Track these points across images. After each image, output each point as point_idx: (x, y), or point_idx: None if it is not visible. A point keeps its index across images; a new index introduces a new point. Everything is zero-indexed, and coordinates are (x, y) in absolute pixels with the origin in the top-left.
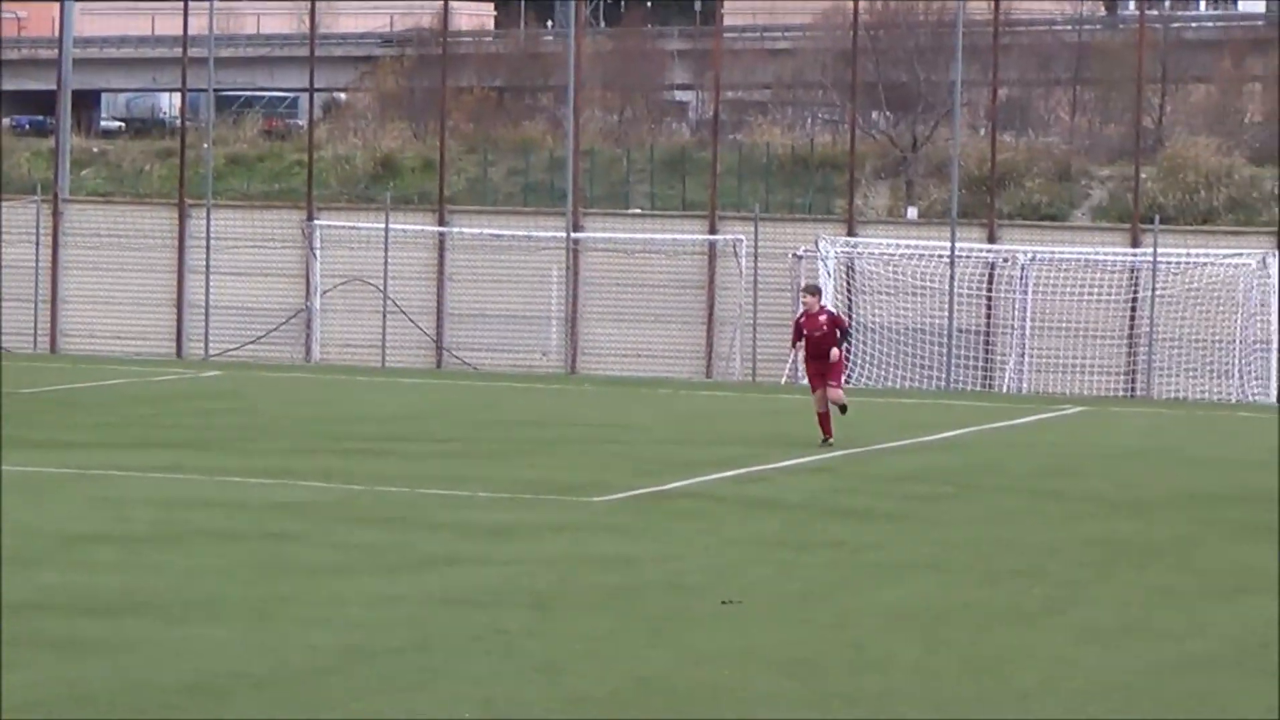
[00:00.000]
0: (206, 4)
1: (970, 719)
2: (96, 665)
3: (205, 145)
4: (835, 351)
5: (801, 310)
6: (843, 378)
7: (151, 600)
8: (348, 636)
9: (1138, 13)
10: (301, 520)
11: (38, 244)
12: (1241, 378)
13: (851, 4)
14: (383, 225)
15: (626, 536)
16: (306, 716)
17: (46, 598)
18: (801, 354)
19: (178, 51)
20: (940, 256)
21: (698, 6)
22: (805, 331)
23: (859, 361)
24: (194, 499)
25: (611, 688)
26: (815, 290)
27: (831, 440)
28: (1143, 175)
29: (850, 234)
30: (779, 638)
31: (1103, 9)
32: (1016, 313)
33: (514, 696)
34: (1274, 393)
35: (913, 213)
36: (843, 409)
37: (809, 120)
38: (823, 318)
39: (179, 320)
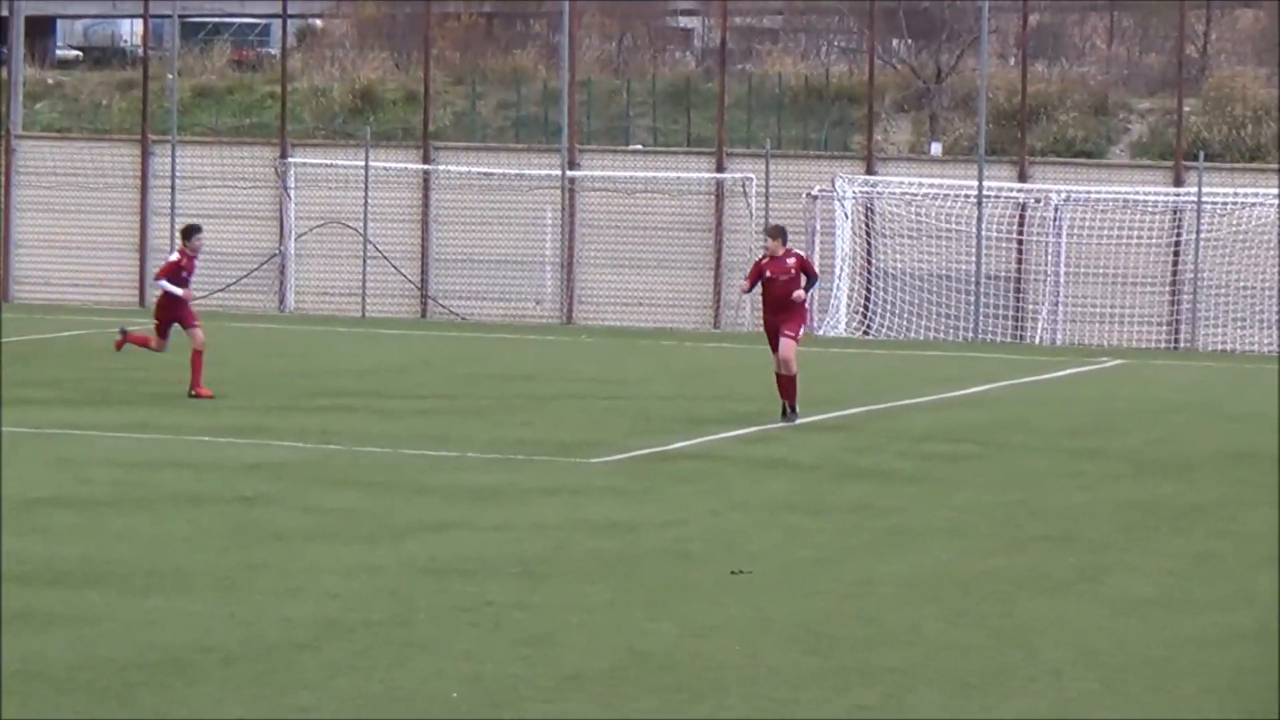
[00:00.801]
0: None
1: (997, 696)
2: (55, 639)
3: (169, 76)
4: (799, 293)
5: (763, 253)
6: (801, 330)
7: (114, 569)
8: (324, 608)
9: None
10: (275, 482)
11: None
12: None
13: None
14: (362, 163)
15: (625, 500)
16: (279, 693)
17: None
18: (751, 299)
19: None
20: (967, 197)
21: None
22: (769, 274)
23: (879, 311)
24: (159, 460)
25: (609, 663)
26: (779, 232)
27: (795, 412)
28: (1186, 108)
29: (869, 172)
30: (790, 609)
31: None
32: (1049, 258)
33: (503, 672)
34: None
35: (936, 149)
36: (788, 384)
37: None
38: (790, 260)
39: (142, 266)
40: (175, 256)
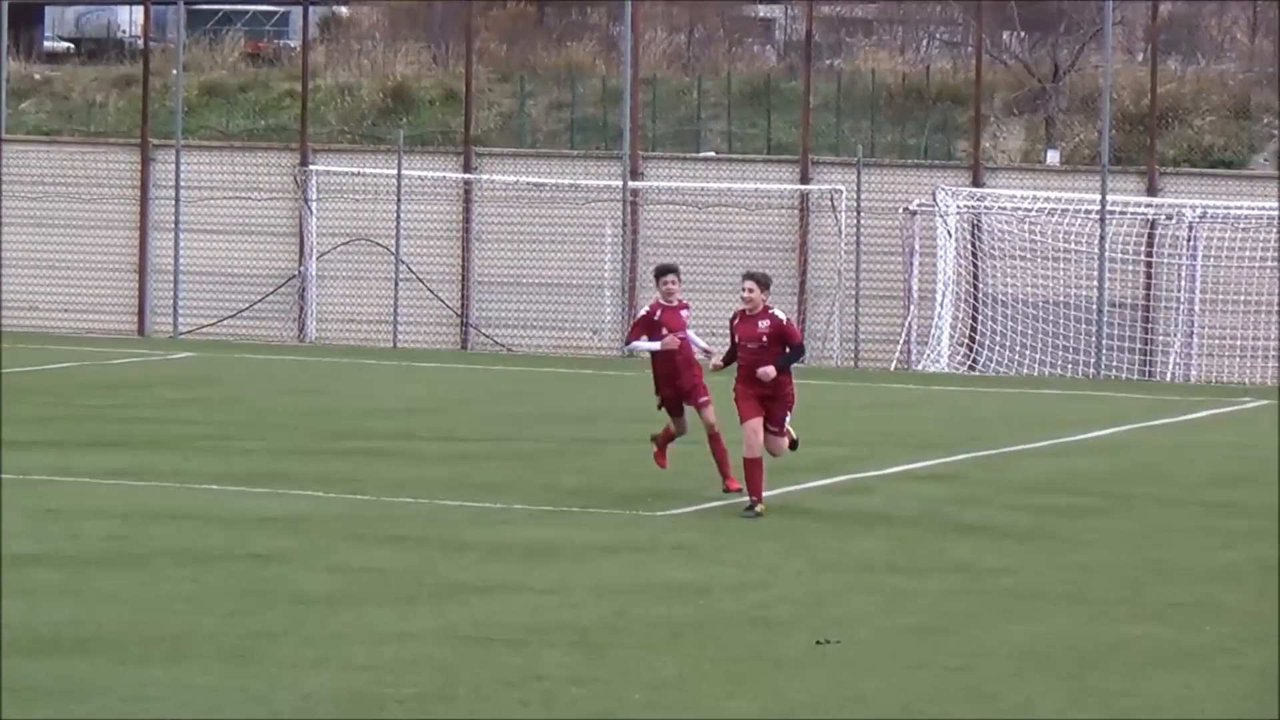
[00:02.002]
0: None
1: None
2: (38, 714)
3: (174, 72)
4: (769, 370)
5: (737, 309)
6: (788, 418)
7: (106, 636)
8: (350, 682)
9: None
10: (293, 538)
11: None
12: None
13: None
14: (394, 171)
15: (697, 559)
16: None
17: None
18: (717, 363)
19: None
20: (1088, 213)
21: None
22: (737, 338)
23: (987, 343)
24: (159, 510)
25: None
26: (762, 281)
27: (761, 505)
28: None
29: (975, 184)
30: (886, 684)
31: None
32: (1182, 282)
33: None
34: None
35: (1053, 157)
36: (752, 468)
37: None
38: (764, 324)
39: (141, 289)
40: (645, 310)
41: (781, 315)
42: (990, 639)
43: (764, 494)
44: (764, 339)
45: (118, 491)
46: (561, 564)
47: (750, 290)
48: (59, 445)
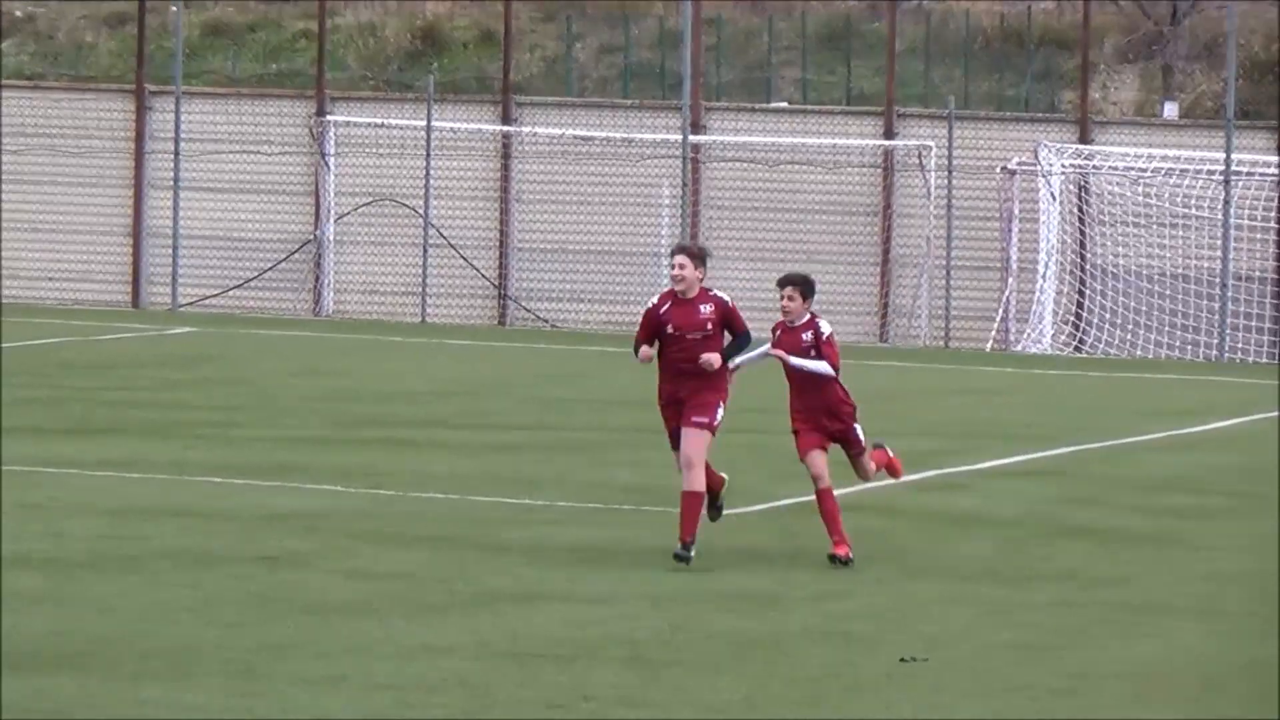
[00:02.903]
0: None
1: None
2: None
3: (173, 9)
4: (713, 357)
5: (662, 292)
6: (718, 416)
7: (95, 649)
8: (372, 701)
9: None
10: (307, 538)
11: None
12: None
13: None
14: (423, 123)
15: (767, 565)
16: None
17: None
18: (646, 361)
19: None
20: (1210, 173)
21: None
22: (670, 329)
23: (1096, 320)
24: (155, 506)
25: None
26: (697, 255)
27: (690, 549)
28: None
29: (1083, 140)
30: (981, 709)
31: None
32: None
33: None
34: None
35: (1171, 110)
36: (713, 501)
37: None
38: (706, 308)
39: (136, 255)
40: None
41: (724, 296)
42: (1100, 658)
43: (849, 491)
44: (708, 325)
45: (108, 484)
46: (612, 570)
47: (679, 269)
48: (41, 432)
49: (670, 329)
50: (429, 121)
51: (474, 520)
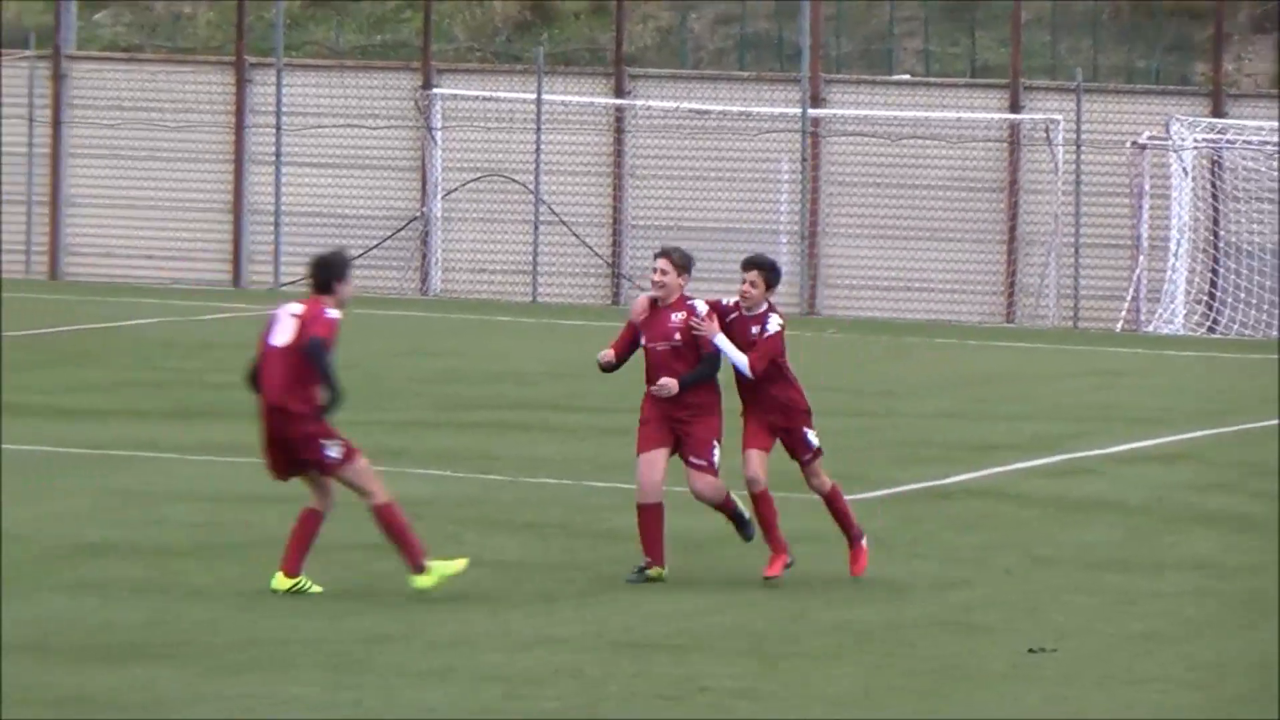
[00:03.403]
0: None
1: None
2: None
3: None
4: (669, 383)
5: (644, 298)
6: (714, 452)
7: (194, 640)
8: (480, 695)
9: None
10: (413, 524)
11: (31, 120)
12: None
13: None
14: (533, 96)
15: (888, 553)
16: None
17: (39, 635)
18: (605, 364)
19: None
20: None
21: None
22: (644, 339)
23: (1230, 300)
24: (255, 493)
25: None
26: (679, 261)
27: (657, 569)
28: None
29: (1216, 113)
30: (1111, 701)
31: None
32: None
33: None
34: None
35: None
36: (736, 518)
37: None
38: (678, 316)
39: (236, 233)
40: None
41: (696, 302)
42: (1233, 649)
43: (974, 475)
44: (675, 336)
45: (209, 470)
46: (729, 558)
47: (660, 274)
48: (141, 415)
49: (644, 338)
50: (539, 94)
51: (585, 506)
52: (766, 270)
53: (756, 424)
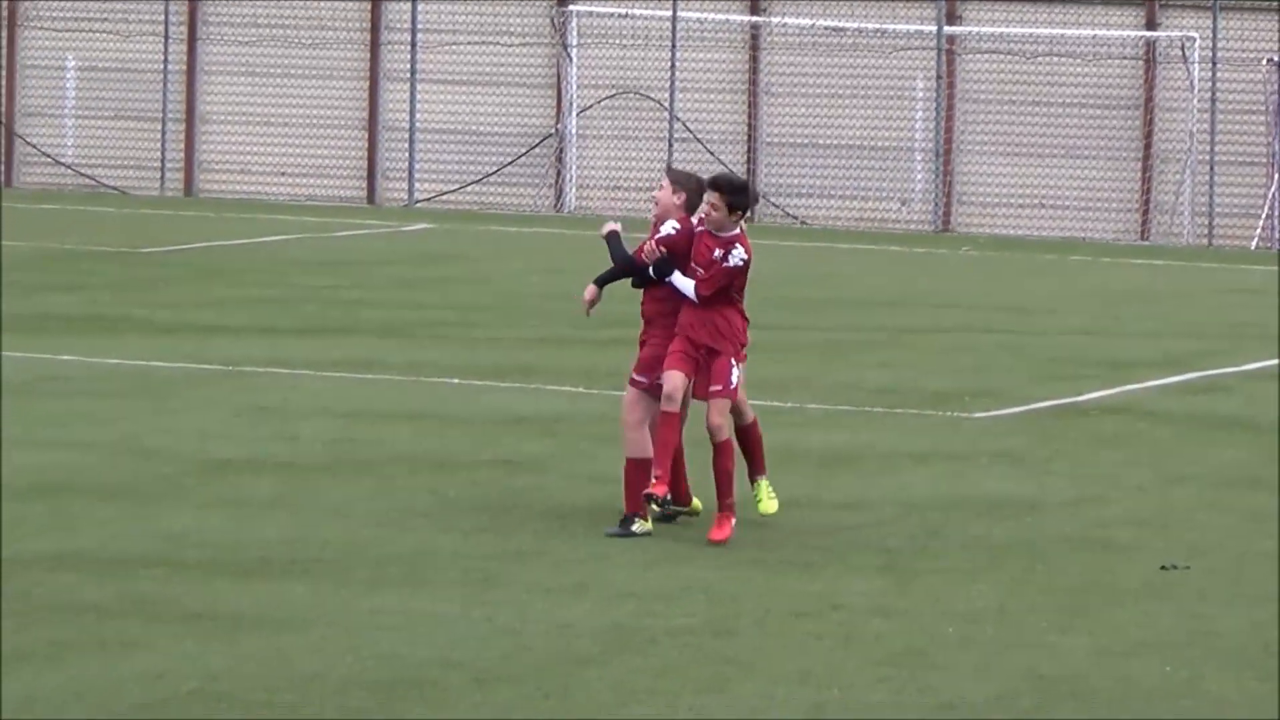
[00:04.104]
0: None
1: None
2: (247, 649)
3: None
4: (589, 288)
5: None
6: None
7: (327, 556)
8: (613, 611)
9: None
10: (547, 441)
11: (166, 38)
12: None
13: None
14: (668, 13)
15: (1023, 470)
16: (555, 715)
17: (174, 550)
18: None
19: None
20: None
21: None
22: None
23: None
24: (390, 409)
25: (998, 689)
26: (675, 179)
27: (645, 520)
28: None
29: None
30: (1244, 619)
31: None
32: None
33: (856, 700)
34: None
35: None
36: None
37: None
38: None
39: (371, 150)
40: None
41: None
42: None
43: (1109, 393)
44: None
45: (342, 386)
46: (863, 474)
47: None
48: (273, 332)
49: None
50: (674, 12)
51: None
52: (726, 192)
53: (683, 344)
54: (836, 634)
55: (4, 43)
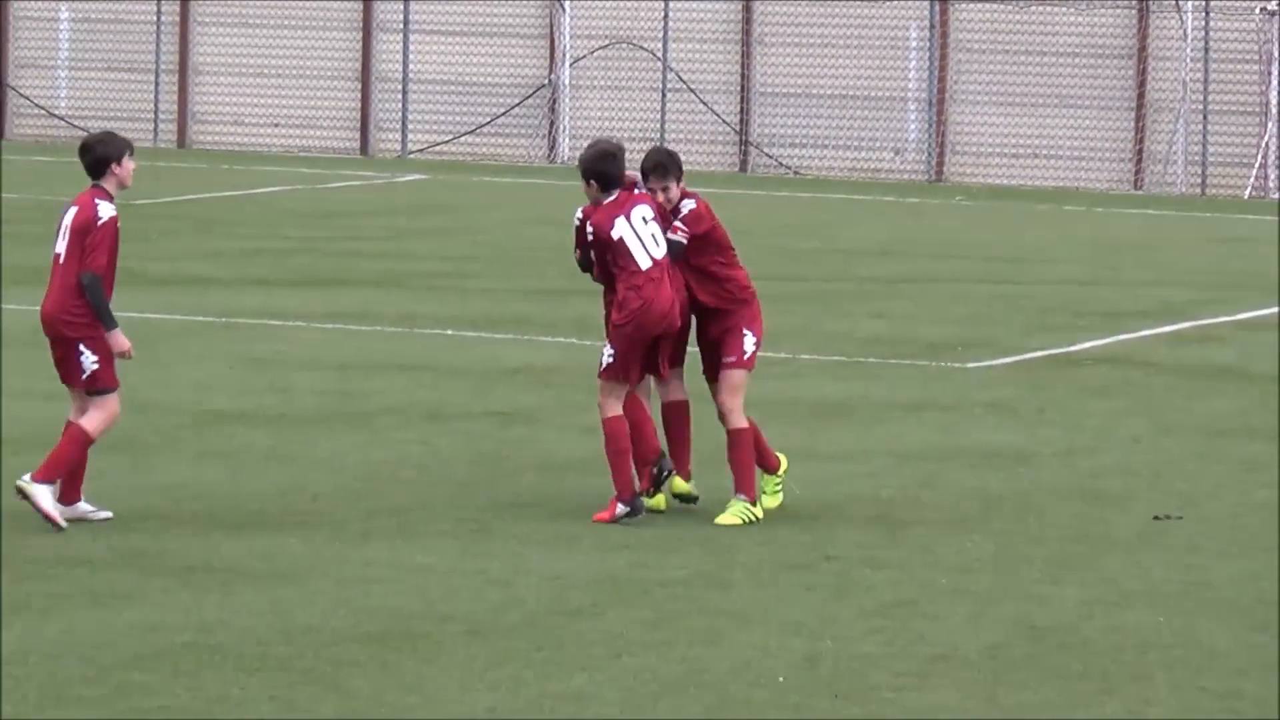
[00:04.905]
0: None
1: None
2: (242, 601)
3: None
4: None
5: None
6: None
7: (321, 509)
8: (607, 563)
9: None
10: (541, 392)
11: None
12: None
13: None
14: None
15: (1015, 420)
16: (544, 676)
17: (168, 502)
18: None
19: None
20: None
21: None
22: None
23: None
24: (383, 360)
25: (990, 639)
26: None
27: (647, 498)
28: None
29: None
30: (1236, 570)
31: None
32: None
33: (848, 651)
34: None
35: None
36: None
37: None
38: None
39: (364, 100)
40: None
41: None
42: None
43: (1102, 343)
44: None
45: (335, 338)
46: (856, 425)
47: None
48: (266, 283)
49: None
50: None
51: None
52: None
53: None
54: (829, 585)
55: None
